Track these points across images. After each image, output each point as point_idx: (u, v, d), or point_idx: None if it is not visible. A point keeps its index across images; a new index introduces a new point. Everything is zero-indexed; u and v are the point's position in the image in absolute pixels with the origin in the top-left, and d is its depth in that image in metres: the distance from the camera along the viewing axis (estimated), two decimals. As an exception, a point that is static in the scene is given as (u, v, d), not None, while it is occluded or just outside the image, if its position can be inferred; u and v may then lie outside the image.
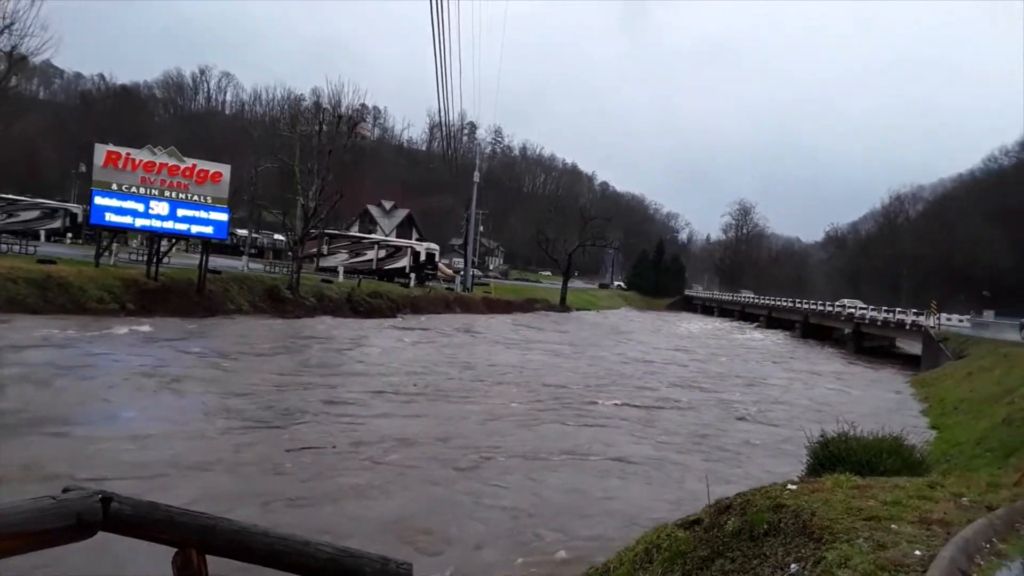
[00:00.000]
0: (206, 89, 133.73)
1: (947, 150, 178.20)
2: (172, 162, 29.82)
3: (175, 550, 1.71)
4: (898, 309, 50.86)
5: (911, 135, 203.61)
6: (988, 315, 53.40)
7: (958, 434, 16.92)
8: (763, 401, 22.18)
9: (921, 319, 43.86)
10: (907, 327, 45.04)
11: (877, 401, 23.61)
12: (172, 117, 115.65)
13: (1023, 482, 6.39)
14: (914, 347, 42.52)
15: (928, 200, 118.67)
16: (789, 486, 5.97)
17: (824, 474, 6.87)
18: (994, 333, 38.51)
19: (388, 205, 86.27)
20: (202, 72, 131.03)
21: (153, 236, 30.56)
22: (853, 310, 55.12)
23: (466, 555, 7.98)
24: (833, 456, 8.07)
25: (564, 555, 8.11)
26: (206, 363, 18.82)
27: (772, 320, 73.27)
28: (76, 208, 50.38)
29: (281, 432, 12.61)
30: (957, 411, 20.54)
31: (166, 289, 28.74)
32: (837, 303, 62.60)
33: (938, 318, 42.62)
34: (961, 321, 47.15)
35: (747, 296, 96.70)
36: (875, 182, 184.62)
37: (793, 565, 4.34)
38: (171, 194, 29.55)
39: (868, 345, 50.73)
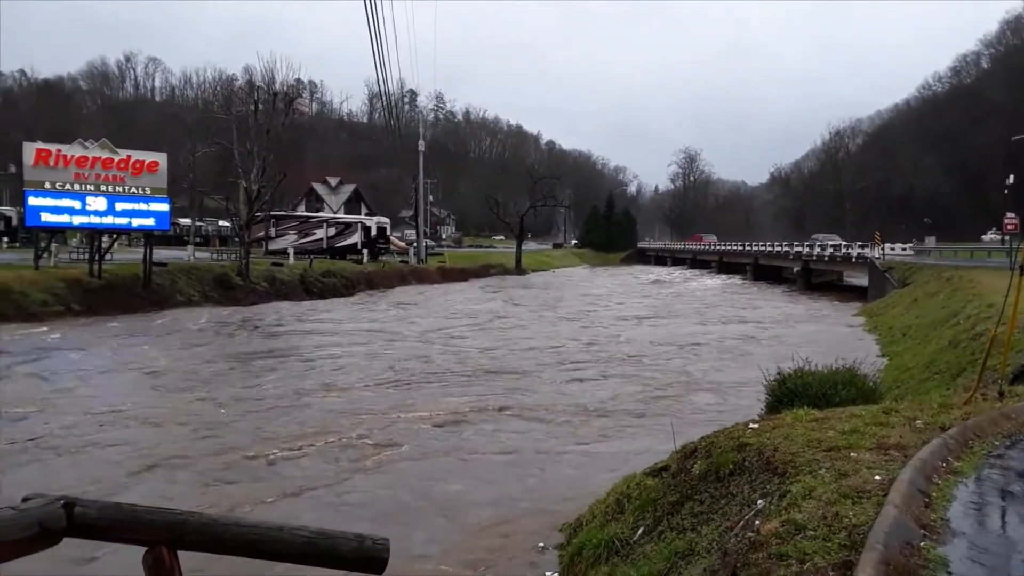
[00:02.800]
0: (133, 76, 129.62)
1: (883, 83, 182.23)
2: (105, 155, 28.83)
3: (145, 549, 1.67)
4: (843, 243, 52.02)
5: (844, 71, 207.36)
6: (930, 241, 55.17)
7: (907, 360, 17.48)
8: (719, 348, 22.61)
9: (866, 251, 44.93)
10: (853, 260, 46.12)
11: (829, 335, 24.21)
12: (100, 108, 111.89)
13: (973, 400, 6.61)
14: (861, 279, 43.60)
15: (866, 133, 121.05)
16: (751, 425, 6.10)
17: (783, 410, 7.03)
18: (936, 259, 39.78)
19: (334, 182, 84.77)
20: (127, 59, 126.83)
21: (93, 233, 29.62)
22: (800, 248, 56.21)
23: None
24: (791, 392, 8.26)
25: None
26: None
27: (723, 265, 74.34)
28: (10, 211, 48.48)
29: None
30: (905, 337, 21.19)
31: (111, 286, 27.95)
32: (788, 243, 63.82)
33: (882, 248, 43.71)
34: (904, 249, 48.55)
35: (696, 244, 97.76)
36: (815, 120, 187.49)
37: (759, 501, 4.44)
38: (108, 188, 28.62)
39: (817, 281, 51.90)
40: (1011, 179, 42.64)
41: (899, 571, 2.91)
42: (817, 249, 52.37)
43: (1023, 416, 6.10)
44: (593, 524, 6.69)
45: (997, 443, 5.27)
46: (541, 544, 7.21)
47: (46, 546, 1.54)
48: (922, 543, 3.30)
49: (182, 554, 1.68)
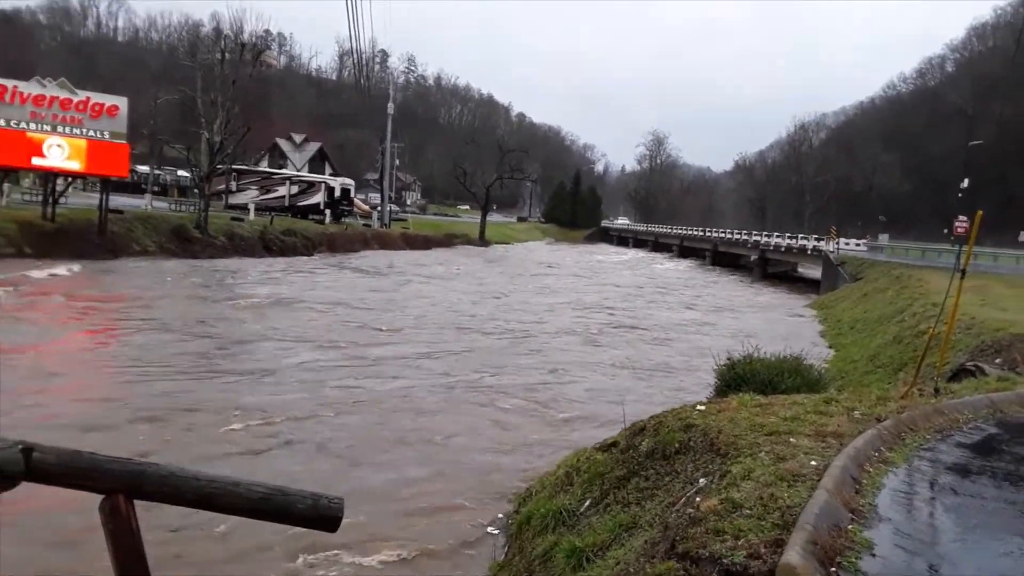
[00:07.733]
0: (96, 14, 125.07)
1: (849, 80, 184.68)
2: (64, 95, 27.95)
3: (102, 497, 1.67)
4: (800, 235, 53.08)
5: (813, 67, 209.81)
6: (883, 238, 56.47)
7: (853, 352, 18.04)
8: (673, 330, 23.00)
9: (821, 244, 45.91)
10: (808, 252, 47.14)
11: (781, 324, 24.80)
12: (60, 46, 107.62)
13: (909, 395, 6.90)
14: (815, 271, 44.59)
15: (831, 128, 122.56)
16: (698, 407, 6.29)
17: (731, 394, 7.26)
18: (888, 256, 40.77)
19: (299, 139, 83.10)
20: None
21: (48, 175, 28.77)
22: (759, 238, 57.15)
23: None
24: (739, 377, 8.51)
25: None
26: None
27: (684, 249, 75.25)
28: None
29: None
30: (853, 331, 21.83)
31: (65, 231, 27.27)
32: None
33: (837, 243, 44.70)
34: (858, 245, 49.69)
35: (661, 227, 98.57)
36: (781, 113, 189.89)
37: (701, 479, 4.63)
38: (64, 130, 27.78)
39: (772, 271, 52.93)
40: (965, 182, 43.78)
41: (826, 551, 3.10)
42: (775, 239, 53.32)
43: (955, 413, 6.39)
44: (542, 495, 6.86)
45: (929, 437, 5.52)
46: (480, 521, 7.32)
47: (2, 490, 1.53)
48: (850, 526, 3.49)
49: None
